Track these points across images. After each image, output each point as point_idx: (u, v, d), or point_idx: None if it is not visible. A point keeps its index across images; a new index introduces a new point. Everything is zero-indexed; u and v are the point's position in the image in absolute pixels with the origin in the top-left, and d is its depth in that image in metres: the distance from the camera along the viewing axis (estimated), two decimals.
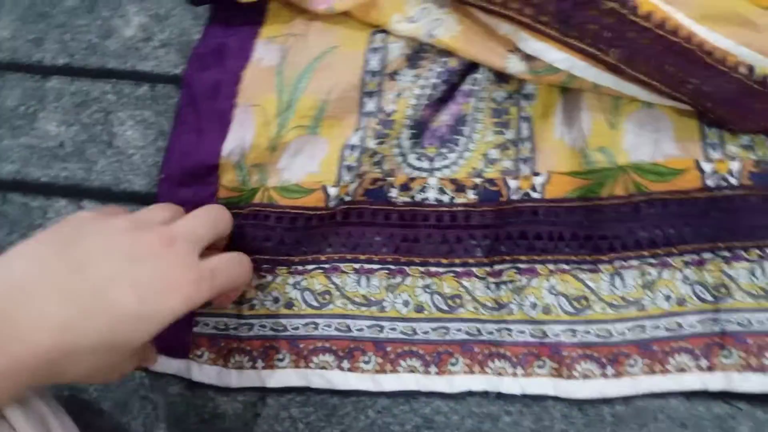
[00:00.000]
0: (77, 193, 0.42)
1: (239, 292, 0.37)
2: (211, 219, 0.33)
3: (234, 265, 0.33)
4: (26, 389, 0.26)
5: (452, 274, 0.37)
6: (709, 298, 0.35)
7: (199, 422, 0.37)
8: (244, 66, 0.40)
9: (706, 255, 0.35)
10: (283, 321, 0.38)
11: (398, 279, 0.38)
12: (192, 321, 0.38)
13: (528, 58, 0.36)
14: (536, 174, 0.37)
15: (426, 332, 0.37)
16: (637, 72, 0.34)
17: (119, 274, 0.28)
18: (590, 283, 0.36)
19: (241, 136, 0.39)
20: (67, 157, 0.42)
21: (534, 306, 0.36)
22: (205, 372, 0.37)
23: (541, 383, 0.36)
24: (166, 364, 0.37)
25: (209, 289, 0.30)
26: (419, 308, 0.37)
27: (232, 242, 0.37)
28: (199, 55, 0.41)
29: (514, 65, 0.36)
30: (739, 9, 0.34)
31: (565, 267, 0.36)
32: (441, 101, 0.39)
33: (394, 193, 0.38)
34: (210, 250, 0.34)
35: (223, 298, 0.35)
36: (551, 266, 0.37)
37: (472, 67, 0.38)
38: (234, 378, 0.37)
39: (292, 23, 0.41)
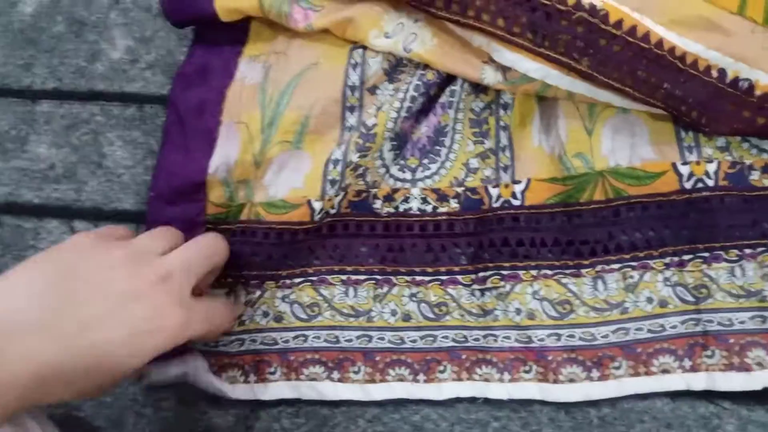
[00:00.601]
0: (69, 214, 0.42)
1: (218, 336, 0.37)
2: (208, 250, 0.34)
3: (221, 313, 0.34)
4: (14, 411, 0.27)
5: (438, 283, 0.38)
6: (690, 299, 0.36)
7: None
8: (228, 84, 0.41)
9: (686, 256, 0.36)
10: (273, 335, 0.38)
11: (385, 289, 0.38)
12: None
13: (503, 68, 0.37)
14: (516, 182, 0.38)
15: (414, 340, 0.37)
16: (610, 79, 0.34)
17: (110, 312, 0.28)
18: (573, 288, 0.37)
19: (227, 152, 0.39)
20: (58, 178, 0.43)
21: (518, 311, 0.37)
22: (203, 379, 0.38)
23: (527, 388, 0.36)
24: (166, 372, 0.37)
25: (195, 331, 0.31)
26: (406, 317, 0.38)
27: None
28: (183, 74, 0.42)
29: (489, 76, 0.37)
30: (706, 13, 0.34)
31: (548, 272, 0.37)
32: (420, 113, 0.39)
33: (378, 204, 0.39)
34: (206, 275, 0.35)
35: (201, 338, 0.35)
36: (534, 272, 0.37)
37: (449, 79, 0.39)
38: (228, 391, 0.38)
39: (274, 41, 0.41)
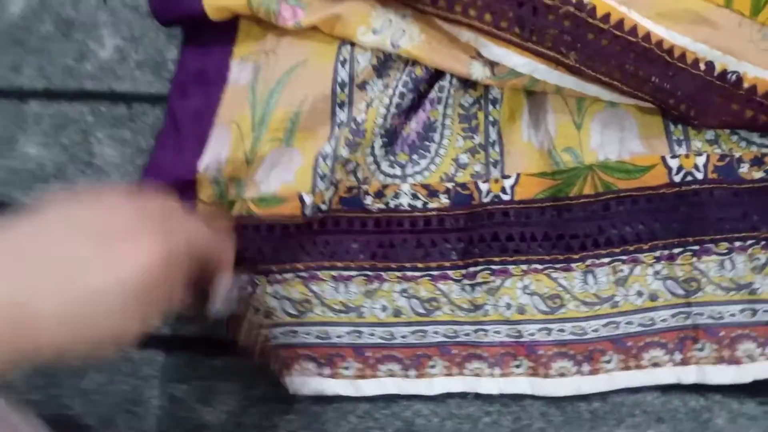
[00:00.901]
0: None
1: (227, 265, 0.33)
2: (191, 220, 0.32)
3: (206, 233, 0.31)
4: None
5: (428, 278, 0.38)
6: (680, 292, 0.36)
7: None
8: (223, 89, 0.41)
9: (676, 250, 0.36)
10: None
11: (376, 284, 0.38)
12: None
13: (490, 63, 0.37)
14: (506, 176, 0.38)
15: (404, 336, 0.37)
16: (598, 73, 0.35)
17: (88, 253, 0.26)
18: (563, 282, 0.37)
19: (218, 151, 0.39)
20: (49, 177, 0.43)
21: (509, 306, 0.37)
22: None
23: (518, 383, 0.36)
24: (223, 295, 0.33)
25: (182, 242, 0.28)
26: (397, 312, 0.38)
27: None
28: (179, 83, 0.42)
29: (477, 71, 0.37)
30: (693, 6, 0.34)
31: (538, 267, 0.37)
32: (410, 109, 0.39)
33: (368, 200, 0.39)
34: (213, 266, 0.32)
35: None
36: (524, 266, 0.37)
37: (438, 75, 0.39)
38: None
39: (263, 40, 0.41)
